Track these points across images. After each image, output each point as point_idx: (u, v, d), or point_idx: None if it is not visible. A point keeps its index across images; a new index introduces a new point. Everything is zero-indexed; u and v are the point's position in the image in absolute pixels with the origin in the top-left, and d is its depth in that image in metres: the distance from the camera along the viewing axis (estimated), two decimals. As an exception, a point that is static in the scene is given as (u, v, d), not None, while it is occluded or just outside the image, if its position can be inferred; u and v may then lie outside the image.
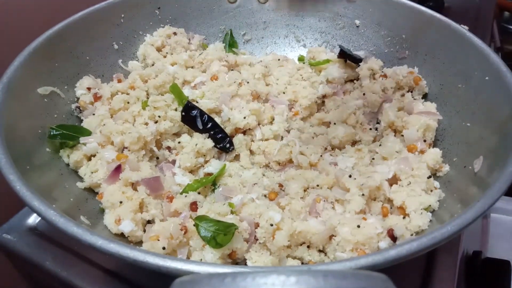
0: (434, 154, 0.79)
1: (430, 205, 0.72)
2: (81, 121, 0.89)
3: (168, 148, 0.87)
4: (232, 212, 0.71)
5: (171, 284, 0.39)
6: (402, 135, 0.85)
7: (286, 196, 0.77)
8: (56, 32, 0.89)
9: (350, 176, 0.74)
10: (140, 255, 0.51)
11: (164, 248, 0.65)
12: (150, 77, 0.96)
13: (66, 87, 0.90)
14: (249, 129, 0.89)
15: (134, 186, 0.77)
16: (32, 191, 0.59)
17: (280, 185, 0.80)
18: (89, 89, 0.91)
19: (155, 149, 0.86)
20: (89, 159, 0.82)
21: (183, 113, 0.86)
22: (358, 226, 0.65)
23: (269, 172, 0.86)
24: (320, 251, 0.69)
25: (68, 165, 0.81)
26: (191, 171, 0.84)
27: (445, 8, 1.58)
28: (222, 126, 0.87)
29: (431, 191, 0.76)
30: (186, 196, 0.76)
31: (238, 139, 0.87)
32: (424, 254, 0.77)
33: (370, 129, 0.90)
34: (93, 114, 0.88)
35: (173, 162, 0.85)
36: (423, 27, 0.98)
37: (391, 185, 0.76)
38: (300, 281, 0.36)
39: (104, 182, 0.76)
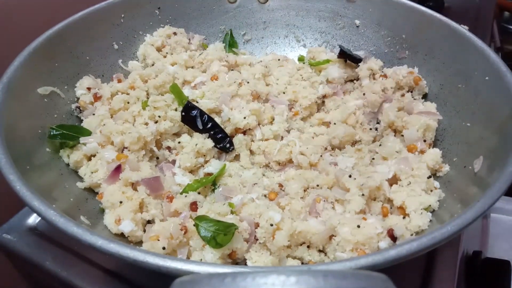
0: (434, 155, 0.79)
1: (430, 205, 0.72)
2: (81, 121, 0.89)
3: (168, 148, 0.87)
4: (232, 212, 0.71)
5: (171, 284, 0.39)
6: (402, 135, 0.85)
7: (286, 196, 0.77)
8: (56, 32, 0.89)
9: (350, 176, 0.74)
10: (140, 255, 0.51)
11: (164, 248, 0.65)
12: (150, 77, 0.96)
13: (66, 87, 0.90)
14: (249, 129, 0.89)
15: (134, 186, 0.77)
16: (32, 191, 0.59)
17: (280, 185, 0.80)
18: (89, 89, 0.91)
19: (155, 149, 0.86)
20: (89, 159, 0.82)
21: (183, 113, 0.86)
22: (358, 226, 0.65)
23: (269, 172, 0.86)
24: (320, 251, 0.69)
25: (68, 165, 0.81)
26: (191, 171, 0.84)
27: (445, 8, 1.58)
28: (222, 126, 0.87)
29: (431, 191, 0.76)
30: (186, 196, 0.76)
31: (238, 139, 0.87)
32: (424, 254, 0.77)
33: (370, 129, 0.90)
34: (93, 114, 0.88)
35: (173, 162, 0.85)
36: (423, 27, 0.98)
37: (391, 185, 0.76)
38: (300, 281, 0.36)
39: (104, 182, 0.76)
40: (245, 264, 0.67)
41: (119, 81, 0.98)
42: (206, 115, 0.86)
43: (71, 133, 0.82)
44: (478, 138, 0.76)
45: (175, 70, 1.00)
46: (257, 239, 0.68)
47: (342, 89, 1.01)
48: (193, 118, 0.85)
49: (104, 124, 0.85)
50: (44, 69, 0.85)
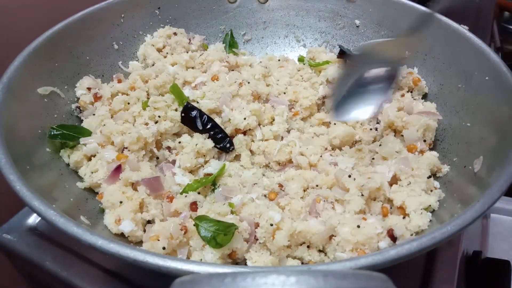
0: (430, 159, 0.79)
1: (430, 205, 0.72)
2: (81, 121, 0.89)
3: (168, 148, 0.87)
4: (232, 212, 0.71)
5: (171, 284, 0.39)
6: (402, 135, 0.85)
7: (286, 196, 0.77)
8: (56, 32, 0.89)
9: (349, 176, 0.74)
10: (140, 255, 0.51)
11: (164, 248, 0.65)
12: (150, 77, 0.96)
13: (66, 87, 0.90)
14: (250, 129, 0.89)
15: (134, 186, 0.77)
16: (32, 191, 0.59)
17: (280, 185, 0.81)
18: (89, 89, 0.91)
19: (155, 150, 0.86)
20: (89, 159, 0.82)
21: (182, 114, 0.86)
22: (358, 226, 0.65)
23: (269, 172, 0.86)
24: (320, 251, 0.69)
25: (68, 165, 0.81)
26: (191, 171, 0.84)
27: (445, 8, 1.58)
28: (223, 127, 0.87)
29: (431, 191, 0.76)
30: (186, 196, 0.76)
31: (238, 139, 0.87)
32: (424, 254, 0.77)
33: (370, 129, 0.90)
34: (93, 114, 0.88)
35: (173, 162, 0.85)
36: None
37: (391, 185, 0.76)
38: (300, 281, 0.36)
39: (104, 182, 0.76)
40: (245, 264, 0.67)
41: (119, 81, 0.98)
42: (205, 116, 0.86)
43: (72, 133, 0.82)
44: (478, 138, 0.76)
45: (176, 70, 1.00)
46: (257, 239, 0.68)
47: (342, 89, 1.01)
48: (193, 118, 0.85)
49: (104, 124, 0.85)
50: (44, 69, 0.85)
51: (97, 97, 0.91)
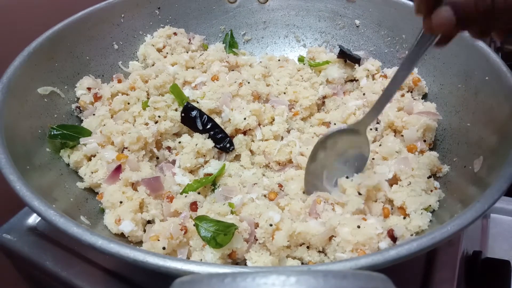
0: (430, 159, 0.79)
1: (430, 205, 0.72)
2: (81, 121, 0.89)
3: (168, 148, 0.87)
4: (232, 212, 0.71)
5: (171, 284, 0.39)
6: (402, 135, 0.85)
7: (286, 196, 0.77)
8: (56, 32, 0.89)
9: (347, 177, 0.75)
10: (140, 255, 0.51)
11: (164, 248, 0.65)
12: (150, 77, 0.96)
13: (66, 87, 0.90)
14: (250, 129, 0.89)
15: (134, 186, 0.77)
16: (32, 191, 0.59)
17: (280, 185, 0.81)
18: (89, 89, 0.91)
19: (155, 150, 0.85)
20: (89, 159, 0.82)
21: (182, 114, 0.86)
22: (358, 227, 0.65)
23: (269, 172, 0.86)
24: (320, 251, 0.69)
25: (68, 165, 0.81)
26: (191, 171, 0.84)
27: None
28: (223, 127, 0.87)
29: (431, 191, 0.76)
30: (186, 196, 0.76)
31: (239, 139, 0.87)
32: (424, 254, 0.77)
33: (370, 129, 0.90)
34: (93, 114, 0.88)
35: (173, 162, 0.85)
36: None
37: (391, 185, 0.76)
38: (300, 281, 0.36)
39: (104, 182, 0.76)
40: (245, 264, 0.67)
41: (119, 81, 0.98)
42: (205, 116, 0.86)
43: (72, 133, 0.82)
44: (478, 138, 0.76)
45: (176, 70, 1.00)
46: (257, 239, 0.68)
47: (342, 89, 1.01)
48: (193, 119, 0.85)
49: (104, 124, 0.85)
50: (44, 69, 0.85)
51: (97, 97, 0.91)
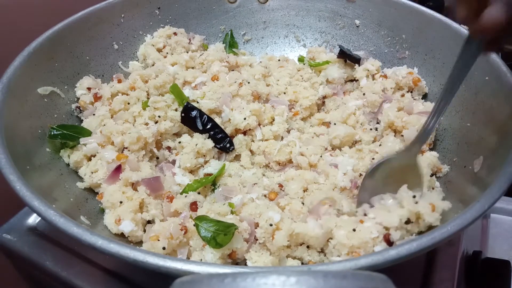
0: (430, 159, 0.79)
1: (430, 205, 0.72)
2: (81, 121, 0.89)
3: (168, 148, 0.87)
4: (232, 212, 0.71)
5: (171, 284, 0.39)
6: (402, 135, 0.85)
7: (286, 196, 0.77)
8: (56, 32, 0.89)
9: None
10: (140, 255, 0.51)
11: (164, 248, 0.65)
12: (150, 77, 0.96)
13: (66, 87, 0.90)
14: (250, 129, 0.89)
15: (134, 186, 0.77)
16: (32, 191, 0.59)
17: (280, 185, 0.80)
18: (89, 89, 0.91)
19: (155, 150, 0.85)
20: (89, 159, 0.82)
21: (182, 114, 0.86)
22: (354, 230, 0.64)
23: (269, 172, 0.86)
24: (320, 251, 0.69)
25: (68, 165, 0.81)
26: (191, 171, 0.84)
27: (445, 8, 1.58)
28: (223, 127, 0.87)
29: (432, 188, 0.76)
30: (186, 196, 0.76)
31: (239, 139, 0.87)
32: (424, 254, 0.77)
33: (370, 129, 0.90)
34: (93, 114, 0.88)
35: (173, 162, 0.85)
36: (423, 27, 0.98)
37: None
38: (300, 281, 0.36)
39: (104, 182, 0.76)
40: (245, 264, 0.67)
41: (119, 81, 0.98)
42: (205, 116, 0.86)
43: (72, 133, 0.82)
44: (478, 138, 0.76)
45: (176, 70, 1.00)
46: (257, 239, 0.68)
47: (342, 89, 1.01)
48: (193, 119, 0.85)
49: (104, 124, 0.85)
50: (44, 69, 0.85)
51: (97, 97, 0.91)
